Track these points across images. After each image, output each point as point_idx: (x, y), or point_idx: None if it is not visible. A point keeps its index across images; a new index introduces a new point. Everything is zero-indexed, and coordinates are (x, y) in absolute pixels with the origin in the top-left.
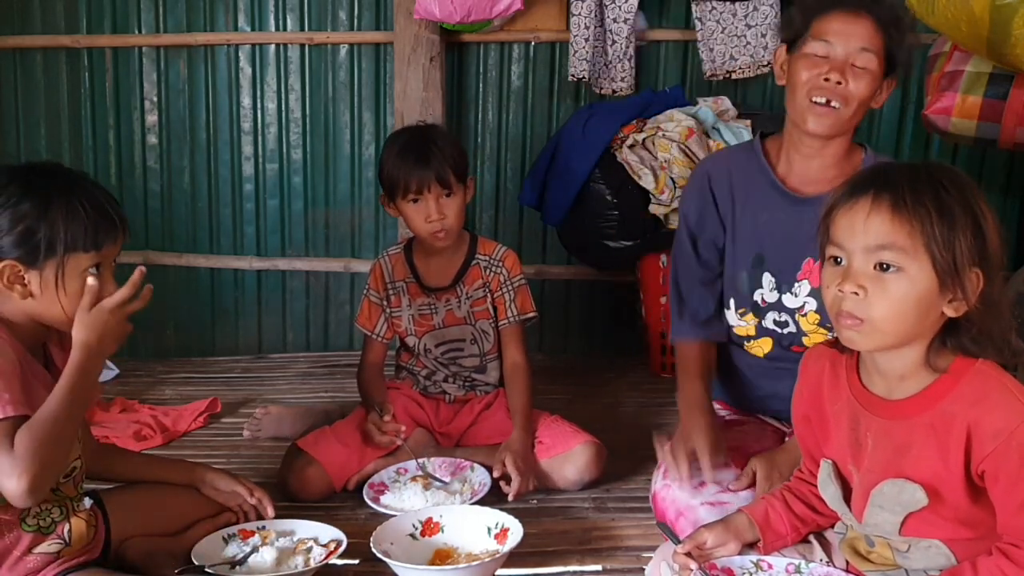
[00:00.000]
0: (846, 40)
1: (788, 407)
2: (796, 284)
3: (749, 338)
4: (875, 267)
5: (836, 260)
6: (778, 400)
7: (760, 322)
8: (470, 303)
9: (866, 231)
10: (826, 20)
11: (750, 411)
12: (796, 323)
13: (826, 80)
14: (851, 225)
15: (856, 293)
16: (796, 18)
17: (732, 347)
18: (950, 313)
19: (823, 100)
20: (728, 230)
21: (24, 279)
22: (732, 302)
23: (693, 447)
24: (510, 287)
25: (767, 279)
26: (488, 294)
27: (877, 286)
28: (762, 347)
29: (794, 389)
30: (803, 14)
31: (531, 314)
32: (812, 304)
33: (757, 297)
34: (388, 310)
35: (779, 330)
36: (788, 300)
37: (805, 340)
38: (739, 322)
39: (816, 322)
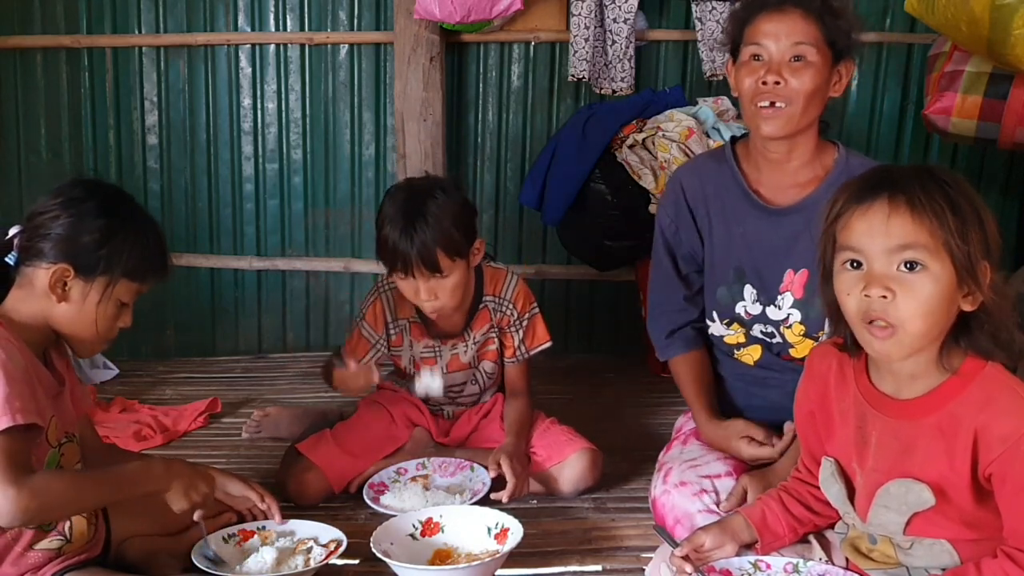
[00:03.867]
0: (776, 39)
1: (776, 416)
2: (779, 296)
3: (739, 346)
4: (898, 268)
5: (853, 264)
6: (767, 411)
7: (748, 331)
8: (476, 347)
9: (888, 232)
10: (756, 24)
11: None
12: (782, 335)
13: (764, 83)
14: (870, 228)
15: (884, 296)
16: (731, 29)
17: (721, 356)
18: (966, 308)
19: (767, 103)
20: (706, 242)
21: (67, 285)
22: (715, 314)
23: (739, 445)
24: (519, 327)
25: (748, 291)
26: (496, 334)
27: (903, 287)
28: (752, 354)
29: (797, 386)
30: (735, 23)
31: (545, 344)
32: (796, 315)
33: (740, 309)
34: (384, 349)
35: (767, 340)
36: (772, 312)
37: (792, 351)
38: (726, 331)
39: (801, 333)
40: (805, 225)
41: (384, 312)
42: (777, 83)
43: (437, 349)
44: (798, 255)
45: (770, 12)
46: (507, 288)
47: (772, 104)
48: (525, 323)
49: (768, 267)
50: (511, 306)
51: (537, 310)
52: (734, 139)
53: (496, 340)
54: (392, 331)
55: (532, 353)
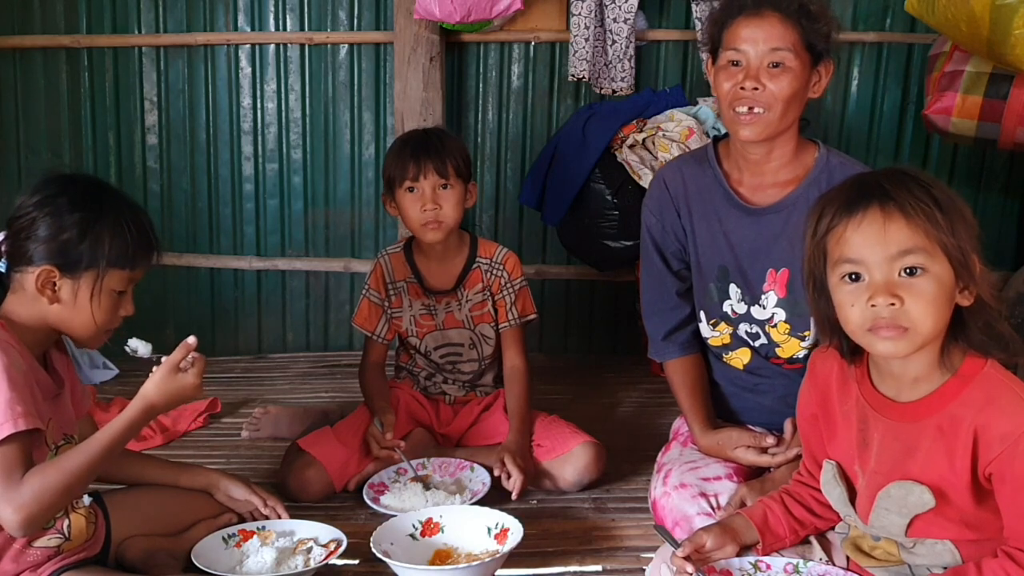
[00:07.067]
0: (754, 44)
1: (771, 419)
2: (763, 296)
3: (726, 348)
4: (899, 274)
5: (852, 277)
6: (762, 413)
7: (734, 331)
8: (470, 306)
9: (887, 241)
10: (734, 27)
11: (735, 423)
12: (767, 334)
13: (742, 88)
14: (867, 239)
15: (892, 304)
16: (710, 30)
17: (712, 360)
18: (964, 302)
19: (745, 109)
20: (690, 241)
21: (56, 286)
22: (702, 314)
23: (736, 454)
24: (511, 290)
25: (734, 290)
26: (489, 297)
27: (909, 292)
28: (741, 358)
29: (800, 389)
30: (714, 25)
31: (531, 316)
32: (781, 314)
33: (727, 308)
34: (389, 311)
35: (752, 341)
36: (756, 312)
37: (779, 351)
38: (712, 332)
39: (787, 331)
40: (785, 225)
41: (383, 275)
42: (756, 88)
43: (433, 308)
44: (779, 254)
45: (748, 16)
46: (498, 253)
47: (750, 109)
48: (517, 288)
49: (751, 267)
50: (502, 268)
51: (526, 283)
52: (716, 139)
53: (489, 303)
54: (391, 293)
55: (522, 321)
